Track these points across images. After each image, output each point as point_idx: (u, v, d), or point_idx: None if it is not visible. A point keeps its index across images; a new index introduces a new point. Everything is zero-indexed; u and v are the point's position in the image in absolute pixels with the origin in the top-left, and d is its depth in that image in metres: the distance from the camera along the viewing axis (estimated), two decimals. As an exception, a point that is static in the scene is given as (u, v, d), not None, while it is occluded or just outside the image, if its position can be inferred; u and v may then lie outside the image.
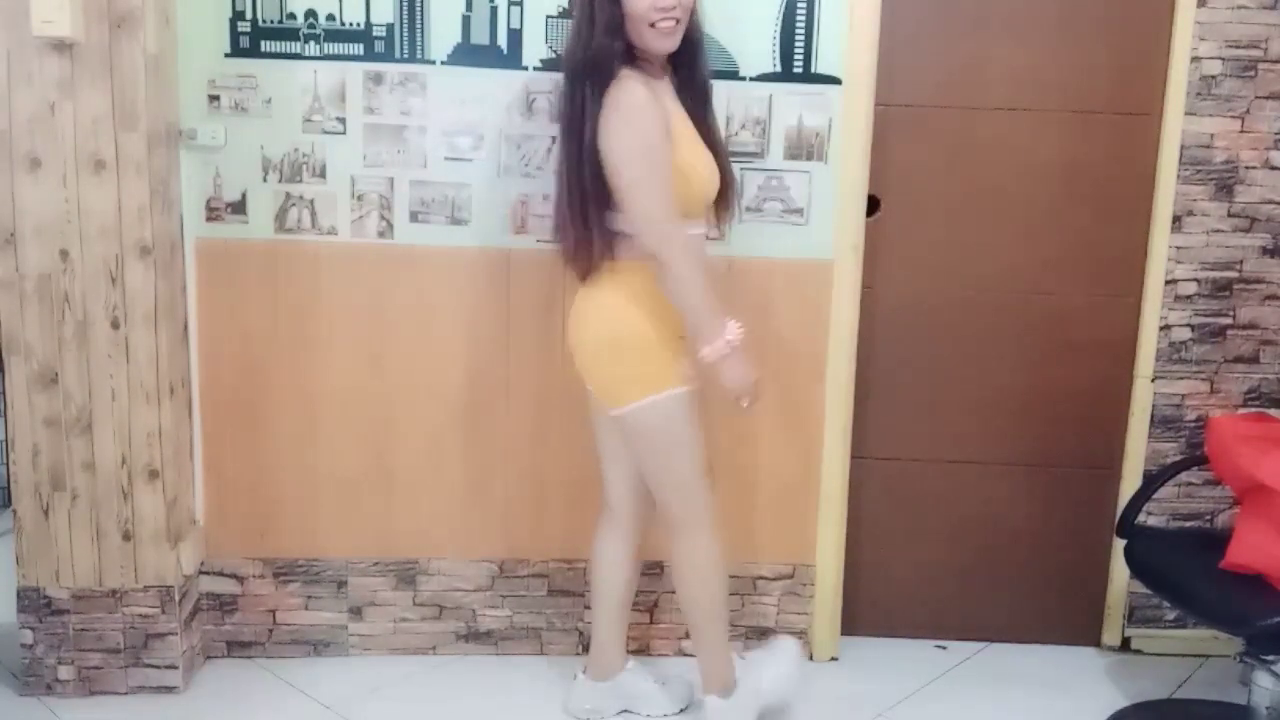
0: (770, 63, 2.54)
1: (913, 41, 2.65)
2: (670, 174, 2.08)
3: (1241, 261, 2.72)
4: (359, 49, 2.51)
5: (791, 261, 2.63)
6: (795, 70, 2.54)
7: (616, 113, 2.05)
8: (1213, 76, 2.63)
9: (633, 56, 2.09)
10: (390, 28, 2.51)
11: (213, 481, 2.67)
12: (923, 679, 2.76)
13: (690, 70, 2.19)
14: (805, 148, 2.59)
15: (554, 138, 2.50)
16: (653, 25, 2.05)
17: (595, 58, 2.05)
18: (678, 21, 2.07)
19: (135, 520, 2.49)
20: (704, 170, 2.15)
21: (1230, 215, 2.69)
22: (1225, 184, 2.68)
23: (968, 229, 2.74)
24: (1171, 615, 2.86)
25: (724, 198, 2.26)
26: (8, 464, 2.55)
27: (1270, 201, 2.69)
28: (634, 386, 2.18)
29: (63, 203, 2.35)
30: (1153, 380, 2.77)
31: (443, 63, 2.52)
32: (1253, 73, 2.63)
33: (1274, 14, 2.60)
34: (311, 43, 2.51)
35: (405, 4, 2.49)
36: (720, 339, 2.10)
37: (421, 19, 2.50)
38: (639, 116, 2.05)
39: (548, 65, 2.52)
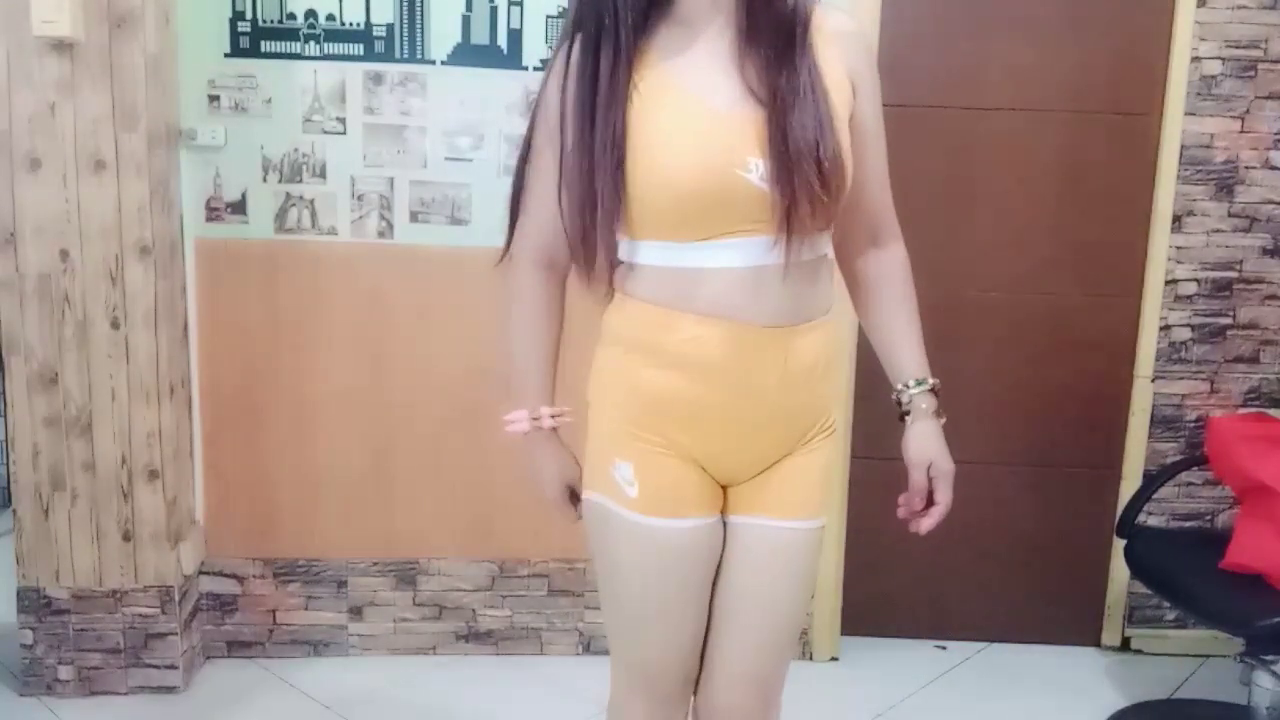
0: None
1: (913, 41, 2.65)
2: (543, 192, 1.43)
3: (1241, 261, 2.72)
4: (359, 49, 2.51)
5: (791, 261, 2.62)
6: (795, 70, 2.54)
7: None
8: (1213, 76, 2.63)
9: None
10: (390, 28, 2.51)
11: (213, 481, 2.67)
12: (923, 679, 2.76)
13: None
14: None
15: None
16: None
17: None
18: None
19: (135, 520, 2.49)
20: (674, 161, 1.32)
21: (1230, 215, 2.69)
22: (1225, 184, 2.68)
23: (967, 229, 2.74)
24: (1171, 615, 2.86)
25: (792, 190, 1.31)
26: (8, 464, 2.55)
27: (1270, 201, 2.69)
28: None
29: (63, 203, 2.35)
30: (1153, 380, 2.77)
31: (443, 63, 2.52)
32: (1253, 73, 2.63)
33: (1274, 14, 2.60)
34: (311, 43, 2.51)
35: (405, 4, 2.49)
36: (511, 416, 1.52)
37: (421, 19, 2.50)
38: (533, 114, 1.46)
39: (547, 65, 2.51)
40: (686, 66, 1.35)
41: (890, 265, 1.54)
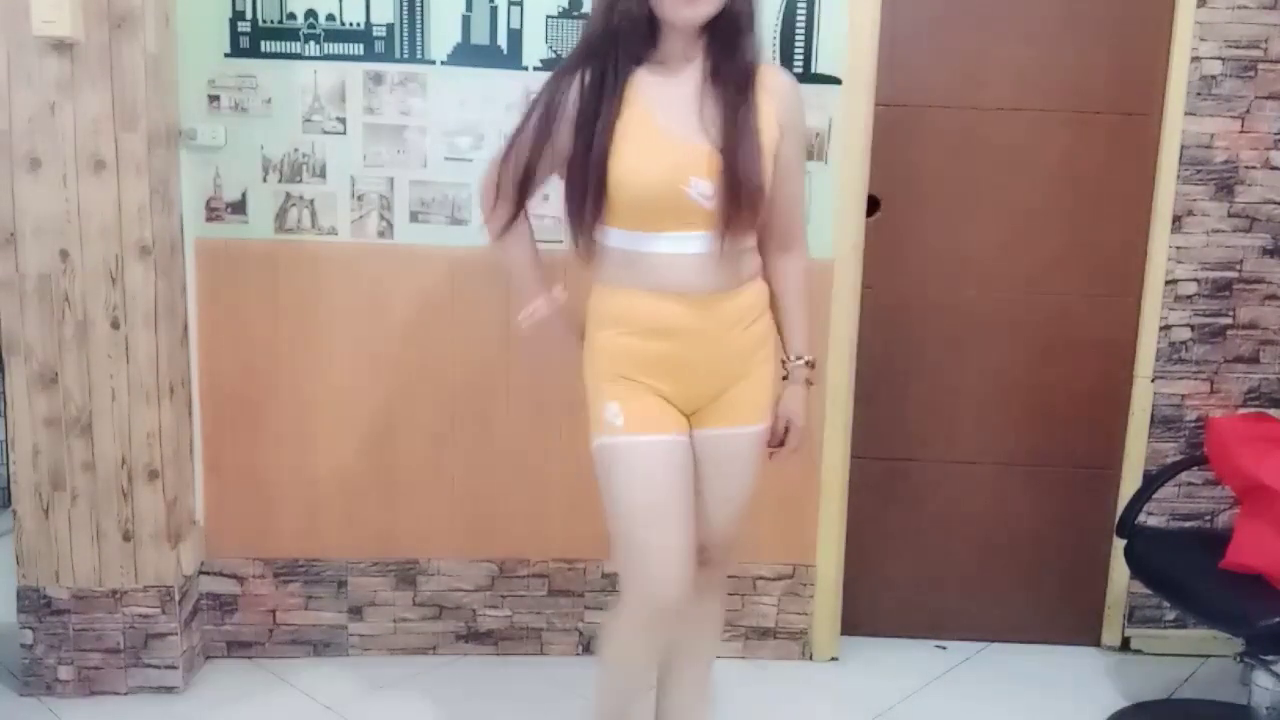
0: (770, 62, 2.54)
1: (913, 41, 2.65)
2: (524, 142, 1.86)
3: (1241, 261, 2.72)
4: (359, 49, 2.51)
5: (791, 261, 2.63)
6: (795, 70, 2.54)
7: None
8: (1213, 76, 2.63)
9: (656, 28, 1.80)
10: (390, 28, 2.51)
11: (213, 481, 2.67)
12: (923, 679, 2.76)
13: (728, 46, 1.81)
14: (805, 148, 2.58)
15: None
16: None
17: (617, 23, 1.78)
18: None
19: (135, 520, 2.49)
20: (630, 178, 1.78)
21: (1230, 215, 2.69)
22: (1225, 184, 2.68)
23: (968, 229, 2.74)
24: (1171, 615, 2.86)
25: (726, 204, 1.80)
26: (8, 464, 2.55)
27: (1270, 201, 2.69)
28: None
29: (63, 203, 2.35)
30: (1153, 380, 2.77)
31: (443, 63, 2.52)
32: (1253, 73, 2.63)
33: (1274, 14, 2.60)
34: (311, 43, 2.51)
35: (405, 4, 2.49)
36: (530, 308, 1.96)
37: (421, 19, 2.50)
38: (534, 104, 1.88)
39: (548, 65, 2.51)
40: (658, 102, 1.81)
41: (793, 268, 2.00)
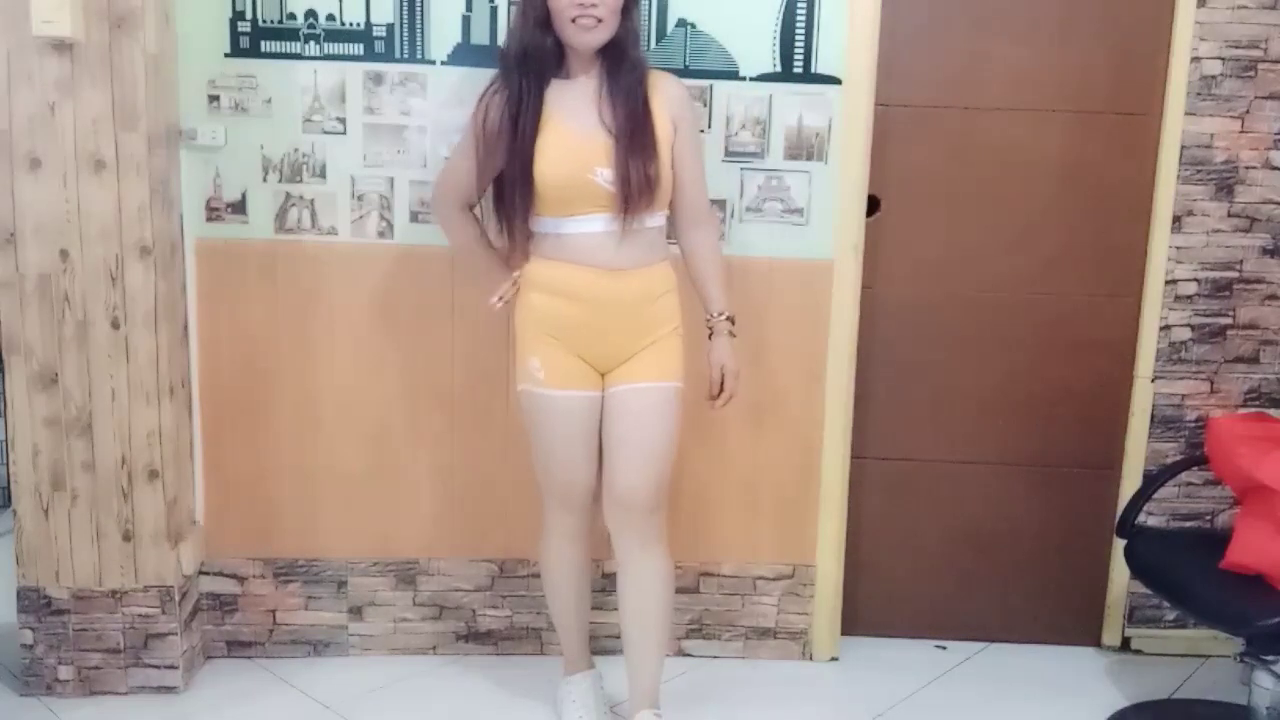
0: (770, 63, 2.54)
1: (913, 41, 2.65)
2: (461, 165, 2.28)
3: (1241, 261, 2.72)
4: (359, 49, 2.51)
5: (791, 261, 2.63)
6: (795, 70, 2.54)
7: None
8: (1213, 76, 2.63)
9: (562, 50, 2.19)
10: (390, 28, 2.51)
11: (213, 481, 2.67)
12: (923, 679, 2.76)
13: (618, 61, 2.19)
14: (805, 148, 2.59)
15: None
16: (574, 21, 2.11)
17: (526, 50, 2.17)
18: (600, 20, 2.12)
19: (135, 520, 2.49)
20: (549, 172, 2.15)
21: (1230, 215, 2.69)
22: (1225, 184, 2.68)
23: (968, 229, 2.74)
24: (1171, 615, 2.86)
25: (622, 185, 2.15)
26: (8, 464, 2.55)
27: (1270, 201, 2.69)
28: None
29: (63, 203, 2.35)
30: (1153, 380, 2.77)
31: (443, 63, 2.52)
32: (1253, 73, 2.63)
33: (1274, 14, 2.60)
34: (311, 43, 2.51)
35: (405, 4, 2.49)
36: (499, 291, 2.29)
37: (421, 19, 2.50)
38: (466, 128, 2.29)
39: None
40: (565, 105, 2.19)
41: (705, 239, 2.34)
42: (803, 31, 2.53)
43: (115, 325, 2.41)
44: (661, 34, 2.52)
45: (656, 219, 2.25)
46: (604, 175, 2.15)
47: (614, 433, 2.25)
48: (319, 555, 2.72)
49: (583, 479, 2.30)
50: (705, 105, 2.55)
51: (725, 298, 2.33)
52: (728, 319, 2.32)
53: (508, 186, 2.21)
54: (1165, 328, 2.74)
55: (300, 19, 2.50)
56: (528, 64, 2.17)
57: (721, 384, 2.32)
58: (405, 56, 2.51)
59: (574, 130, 2.17)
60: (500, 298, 2.26)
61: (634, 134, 2.16)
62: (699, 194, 2.32)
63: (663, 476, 2.27)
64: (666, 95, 2.24)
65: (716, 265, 2.34)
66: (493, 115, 2.20)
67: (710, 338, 2.31)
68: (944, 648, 2.90)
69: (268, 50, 2.50)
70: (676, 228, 2.32)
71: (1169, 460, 2.77)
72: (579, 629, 2.52)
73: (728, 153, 2.58)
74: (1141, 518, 2.56)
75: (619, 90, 2.18)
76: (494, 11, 2.50)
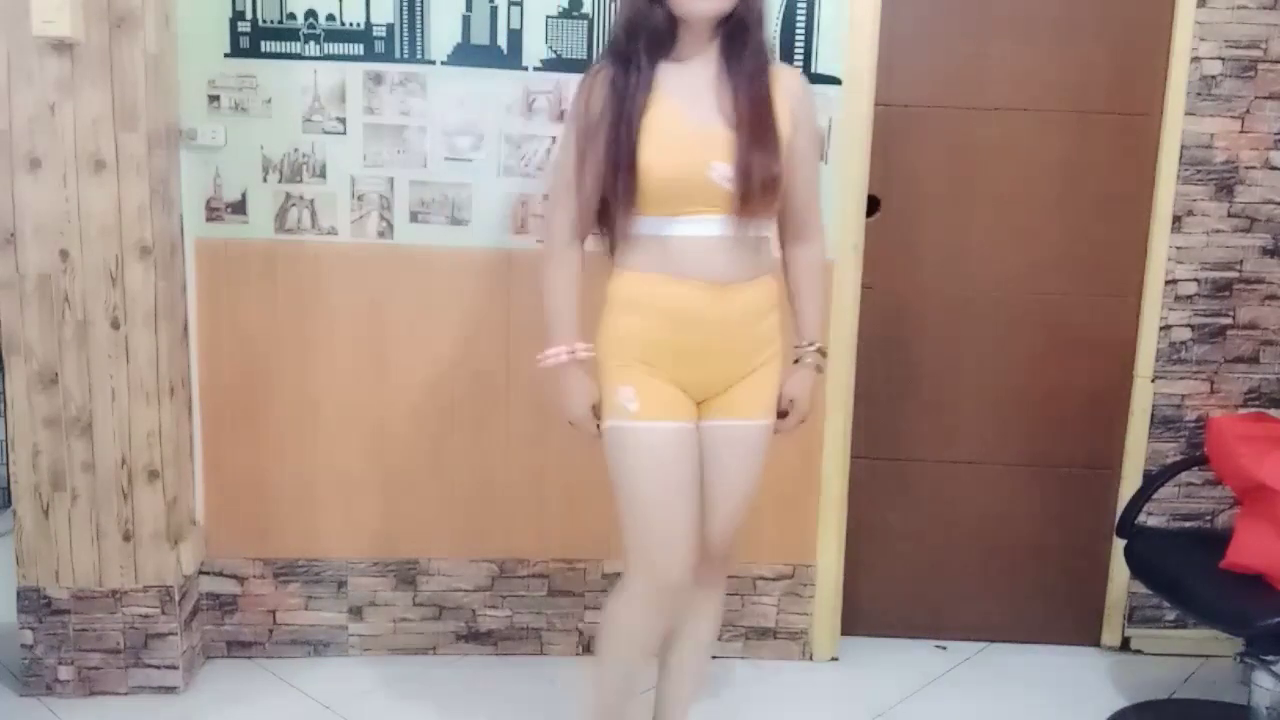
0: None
1: (913, 41, 2.65)
2: (572, 178, 1.97)
3: (1241, 261, 2.72)
4: (359, 49, 2.51)
5: (791, 261, 2.63)
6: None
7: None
8: (1213, 76, 2.63)
9: (674, 26, 1.90)
10: (390, 28, 2.51)
11: (213, 481, 2.67)
12: (923, 679, 2.76)
13: (739, 43, 1.92)
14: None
15: (554, 138, 2.50)
16: None
17: (634, 24, 1.90)
18: None
19: (135, 520, 2.49)
20: (657, 163, 1.87)
21: (1230, 215, 2.70)
22: (1225, 184, 2.68)
23: (968, 229, 2.74)
24: (1171, 615, 2.86)
25: (742, 184, 1.88)
26: (8, 464, 2.55)
27: (1270, 201, 2.69)
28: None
29: (63, 203, 2.35)
30: (1153, 380, 2.77)
31: (443, 63, 2.52)
32: (1253, 73, 2.63)
33: (1274, 14, 2.60)
34: (311, 43, 2.51)
35: (405, 4, 2.49)
36: (550, 352, 1.99)
37: (421, 19, 2.50)
38: (568, 119, 2.00)
39: (548, 65, 2.52)
40: (679, 93, 1.91)
41: (809, 258, 2.09)
42: (802, 31, 2.53)
43: (115, 325, 2.41)
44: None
45: (766, 226, 1.99)
46: (721, 171, 1.87)
47: (707, 474, 1.99)
48: (319, 555, 2.72)
49: (684, 531, 1.93)
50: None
51: (820, 326, 2.10)
52: (819, 351, 2.07)
53: (607, 179, 1.92)
54: (1165, 328, 2.74)
55: (300, 19, 2.50)
56: (635, 39, 1.89)
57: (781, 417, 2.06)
58: (405, 57, 2.51)
59: (687, 118, 1.89)
60: (553, 358, 1.98)
61: (758, 126, 1.88)
62: (811, 203, 2.05)
63: (741, 521, 2.07)
64: (787, 89, 1.96)
65: (819, 287, 2.09)
66: (597, 95, 1.92)
67: (795, 362, 2.07)
68: (944, 648, 2.90)
69: (268, 50, 2.50)
70: (780, 237, 2.08)
71: (1169, 460, 2.77)
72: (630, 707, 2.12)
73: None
74: (1141, 518, 2.56)
75: (741, 75, 1.90)
76: (494, 11, 2.50)
